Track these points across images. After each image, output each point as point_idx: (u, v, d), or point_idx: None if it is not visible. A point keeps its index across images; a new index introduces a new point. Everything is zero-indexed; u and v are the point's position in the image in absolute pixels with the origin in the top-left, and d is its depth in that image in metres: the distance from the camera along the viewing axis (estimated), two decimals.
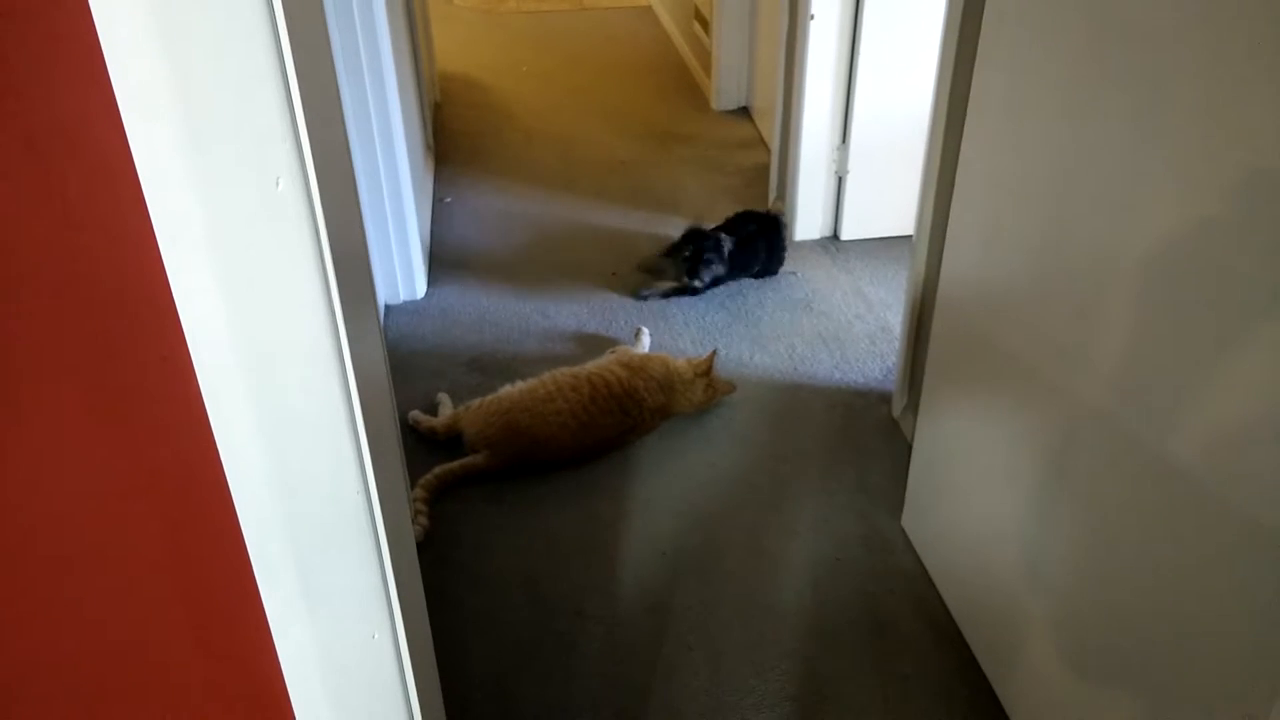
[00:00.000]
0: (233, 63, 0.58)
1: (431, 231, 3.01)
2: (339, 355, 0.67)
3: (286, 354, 0.67)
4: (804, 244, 2.93)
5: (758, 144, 3.58)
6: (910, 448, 1.89)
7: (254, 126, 0.59)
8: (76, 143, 0.61)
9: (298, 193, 0.61)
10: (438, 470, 1.99)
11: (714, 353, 2.20)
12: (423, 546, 1.86)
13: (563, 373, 2.15)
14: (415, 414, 2.16)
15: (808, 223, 2.93)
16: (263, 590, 0.78)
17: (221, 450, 0.71)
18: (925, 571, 1.79)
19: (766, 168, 3.22)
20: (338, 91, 0.74)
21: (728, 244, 2.63)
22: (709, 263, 2.62)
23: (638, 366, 2.16)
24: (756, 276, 2.75)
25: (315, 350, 0.67)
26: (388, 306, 2.64)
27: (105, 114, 0.60)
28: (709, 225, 2.77)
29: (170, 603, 0.79)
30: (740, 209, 2.84)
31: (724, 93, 3.87)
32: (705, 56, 4.04)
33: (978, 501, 1.58)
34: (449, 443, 2.10)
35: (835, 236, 2.95)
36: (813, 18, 2.62)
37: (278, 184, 0.61)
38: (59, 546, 0.72)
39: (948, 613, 1.70)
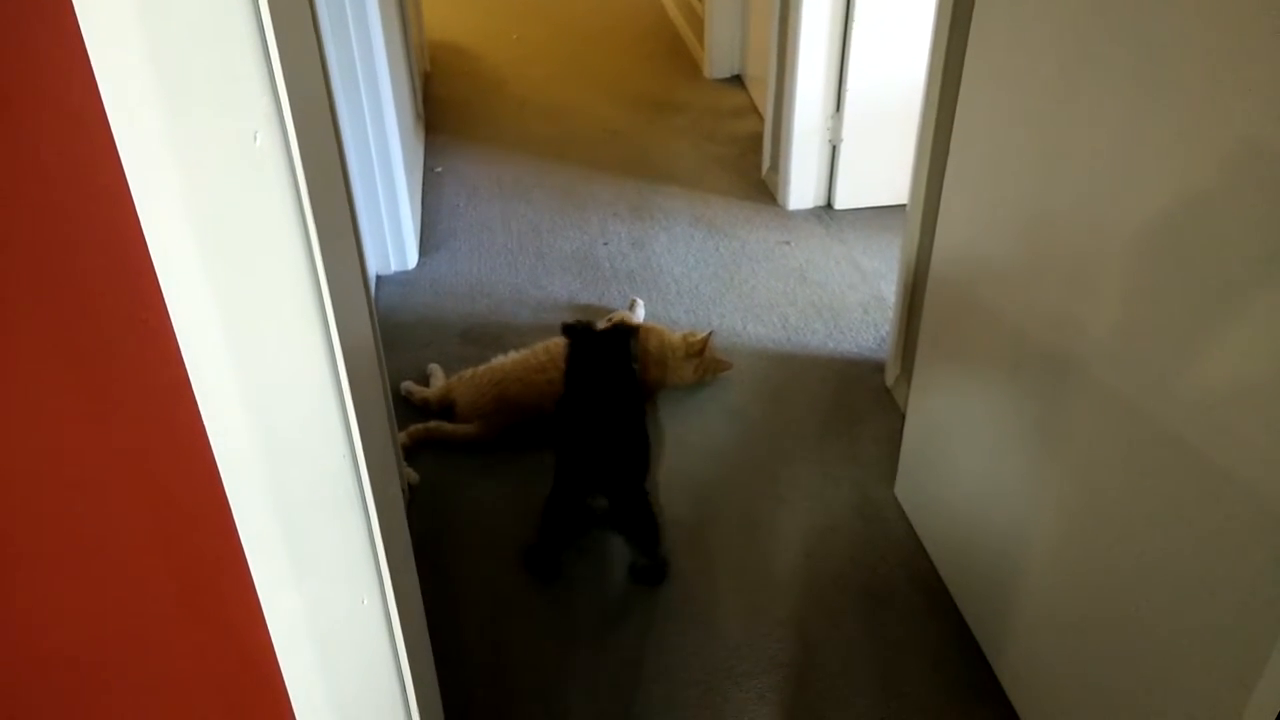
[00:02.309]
0: (206, 13, 0.56)
1: (423, 202, 2.98)
2: (322, 314, 0.66)
3: (269, 314, 0.65)
4: (798, 213, 2.91)
5: (751, 112, 3.55)
6: (903, 417, 1.89)
7: (230, 79, 0.58)
8: (49, 97, 0.59)
9: (276, 148, 0.60)
10: (430, 424, 2.03)
11: (709, 335, 2.17)
12: (417, 518, 1.86)
13: (556, 342, 2.14)
14: (408, 384, 2.15)
15: (801, 192, 2.91)
16: (250, 558, 0.77)
17: (205, 416, 0.70)
18: (918, 540, 1.79)
19: (760, 136, 3.19)
20: (317, 44, 0.72)
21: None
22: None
23: None
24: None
25: (298, 310, 0.65)
26: (379, 277, 2.62)
27: (77, 68, 0.58)
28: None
29: (157, 572, 0.78)
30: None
31: (717, 60, 3.83)
32: (698, 24, 3.99)
33: (970, 470, 1.58)
34: (442, 413, 2.10)
35: (829, 206, 2.93)
36: None
37: (255, 139, 0.59)
38: (40, 518, 0.71)
39: (940, 580, 1.71)
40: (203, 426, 0.70)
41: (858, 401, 2.16)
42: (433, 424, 2.04)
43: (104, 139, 0.60)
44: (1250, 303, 0.93)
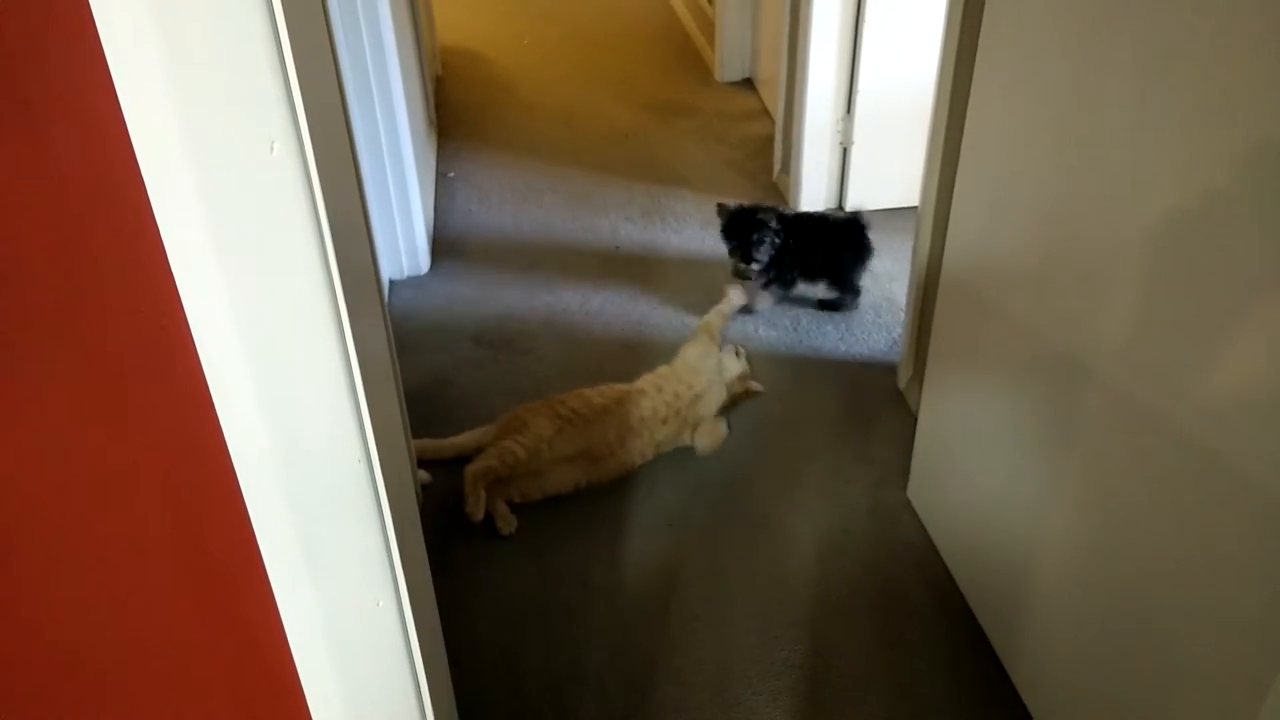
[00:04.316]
0: (224, 24, 0.57)
1: (435, 206, 3.00)
2: (338, 320, 0.67)
3: (285, 321, 0.66)
4: None
5: (762, 115, 3.55)
6: (916, 419, 1.88)
7: (247, 90, 0.59)
8: (70, 107, 0.60)
9: (293, 157, 0.61)
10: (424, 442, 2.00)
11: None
12: (429, 519, 1.87)
13: (615, 391, 1.96)
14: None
15: (812, 194, 2.91)
16: (267, 559, 0.78)
17: (222, 420, 0.71)
18: (931, 542, 1.79)
19: (771, 139, 3.20)
20: (333, 54, 0.73)
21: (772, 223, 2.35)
22: (759, 242, 2.36)
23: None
24: (826, 306, 2.47)
25: (314, 315, 0.66)
26: (391, 282, 2.63)
27: (98, 78, 0.59)
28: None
29: (176, 574, 0.79)
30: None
31: (728, 64, 3.84)
32: (709, 27, 4.00)
33: (983, 472, 1.58)
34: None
35: (840, 208, 2.93)
36: None
37: (272, 149, 0.60)
38: (60, 520, 0.73)
39: (953, 582, 1.70)
40: (220, 430, 0.71)
41: (870, 404, 2.16)
42: (426, 442, 1.97)
43: (123, 148, 0.61)
44: (1266, 304, 0.93)
